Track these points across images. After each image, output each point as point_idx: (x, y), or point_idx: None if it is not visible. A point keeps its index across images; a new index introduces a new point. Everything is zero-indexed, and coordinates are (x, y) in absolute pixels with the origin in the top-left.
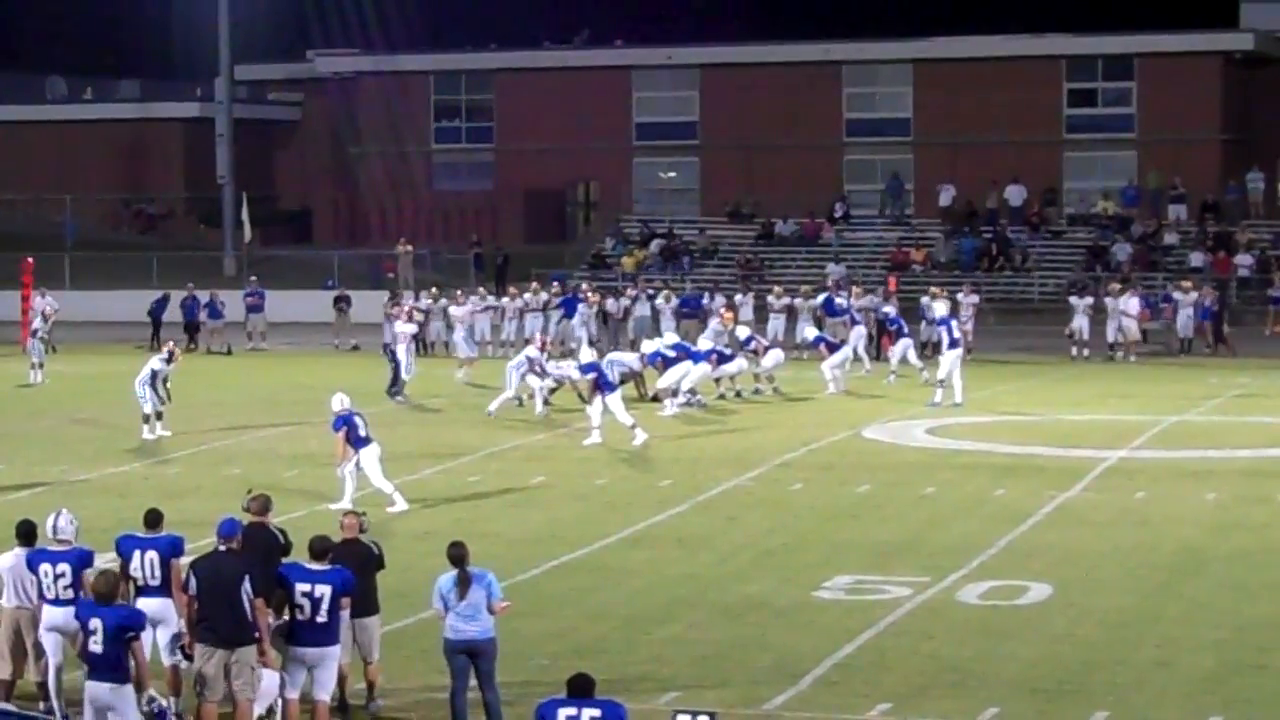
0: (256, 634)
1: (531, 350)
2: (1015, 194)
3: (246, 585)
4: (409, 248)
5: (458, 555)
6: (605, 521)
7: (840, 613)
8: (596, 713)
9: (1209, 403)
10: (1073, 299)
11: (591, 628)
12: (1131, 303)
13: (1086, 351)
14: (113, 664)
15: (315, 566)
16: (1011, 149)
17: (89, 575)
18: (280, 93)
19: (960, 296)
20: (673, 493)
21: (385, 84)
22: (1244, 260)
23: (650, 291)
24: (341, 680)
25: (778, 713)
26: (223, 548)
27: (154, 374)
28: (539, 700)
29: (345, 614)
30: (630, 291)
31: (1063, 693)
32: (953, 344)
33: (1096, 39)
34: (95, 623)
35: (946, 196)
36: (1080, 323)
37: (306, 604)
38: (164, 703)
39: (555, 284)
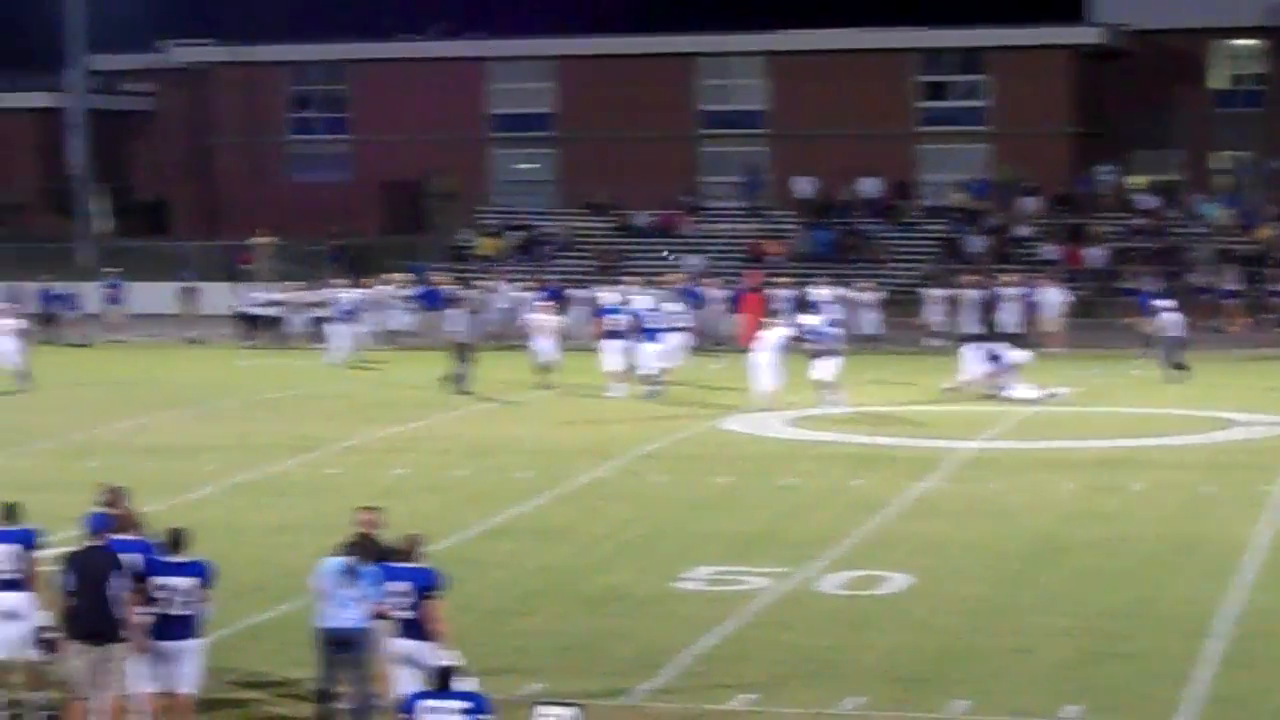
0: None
1: None
2: (869, 186)
3: (116, 580)
4: (267, 239)
5: (365, 546)
6: (465, 513)
7: (701, 603)
8: (460, 704)
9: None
10: (926, 290)
11: (453, 620)
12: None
13: (940, 342)
14: None
15: (175, 559)
16: (865, 141)
17: None
18: (134, 83)
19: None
20: (533, 484)
21: (240, 74)
22: (1096, 253)
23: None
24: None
25: (640, 703)
26: (93, 543)
27: None
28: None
29: (205, 607)
30: (489, 283)
31: (922, 681)
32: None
33: (948, 33)
34: None
35: (806, 188)
36: (934, 314)
37: (167, 597)
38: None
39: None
